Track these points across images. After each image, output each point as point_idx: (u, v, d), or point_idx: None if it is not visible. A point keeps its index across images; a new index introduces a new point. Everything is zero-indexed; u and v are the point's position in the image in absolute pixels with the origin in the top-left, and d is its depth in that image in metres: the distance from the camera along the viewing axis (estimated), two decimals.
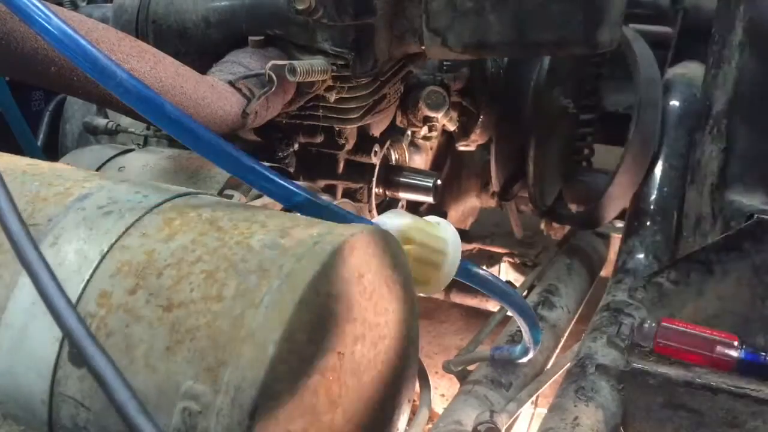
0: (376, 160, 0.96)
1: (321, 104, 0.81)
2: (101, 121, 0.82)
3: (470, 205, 1.36)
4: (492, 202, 1.33)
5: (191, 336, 0.37)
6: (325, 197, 0.63)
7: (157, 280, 0.39)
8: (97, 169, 0.67)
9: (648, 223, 1.06)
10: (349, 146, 0.93)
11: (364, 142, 0.95)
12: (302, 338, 0.36)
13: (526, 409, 0.89)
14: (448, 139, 1.19)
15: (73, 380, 0.38)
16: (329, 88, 0.78)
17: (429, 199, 1.02)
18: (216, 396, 0.35)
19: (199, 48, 0.78)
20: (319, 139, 0.89)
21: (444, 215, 1.26)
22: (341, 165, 0.95)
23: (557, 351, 1.01)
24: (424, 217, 0.54)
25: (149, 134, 0.83)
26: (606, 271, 1.28)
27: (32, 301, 0.39)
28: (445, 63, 1.00)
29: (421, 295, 0.53)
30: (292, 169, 0.88)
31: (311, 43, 0.75)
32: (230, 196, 0.60)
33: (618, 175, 1.06)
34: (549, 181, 1.21)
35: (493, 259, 1.48)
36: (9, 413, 0.39)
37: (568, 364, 0.85)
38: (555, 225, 1.30)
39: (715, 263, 0.79)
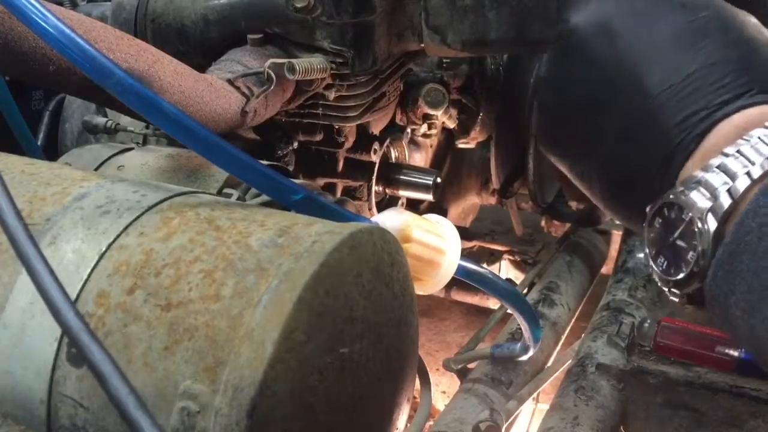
0: (375, 158, 0.96)
1: (320, 102, 0.81)
2: (100, 120, 0.82)
3: (470, 202, 1.36)
4: (492, 200, 1.33)
5: (189, 335, 0.37)
6: (326, 196, 0.63)
7: (155, 280, 0.39)
8: (96, 168, 0.67)
9: None
10: (348, 144, 0.93)
11: (364, 140, 0.95)
12: (301, 337, 0.36)
13: (527, 405, 0.89)
14: (448, 137, 1.19)
15: (71, 380, 0.38)
16: (328, 86, 0.78)
17: (429, 196, 1.02)
18: (214, 396, 0.35)
19: (198, 46, 0.77)
20: (319, 137, 0.89)
21: (444, 213, 1.26)
22: (341, 163, 0.94)
23: (558, 348, 1.01)
24: (424, 215, 0.54)
25: (149, 133, 0.82)
26: (607, 269, 1.28)
27: (31, 300, 0.39)
28: (444, 60, 1.00)
29: (421, 293, 0.53)
30: (291, 168, 0.88)
31: (310, 41, 0.74)
32: (229, 195, 0.59)
33: None
34: (549, 179, 1.21)
35: (494, 257, 1.48)
36: (8, 413, 0.39)
37: (569, 363, 0.85)
38: (555, 222, 1.30)
39: None
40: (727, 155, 0.40)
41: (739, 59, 0.44)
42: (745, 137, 0.40)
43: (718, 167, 0.40)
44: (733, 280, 0.36)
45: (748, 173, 0.38)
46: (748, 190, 0.38)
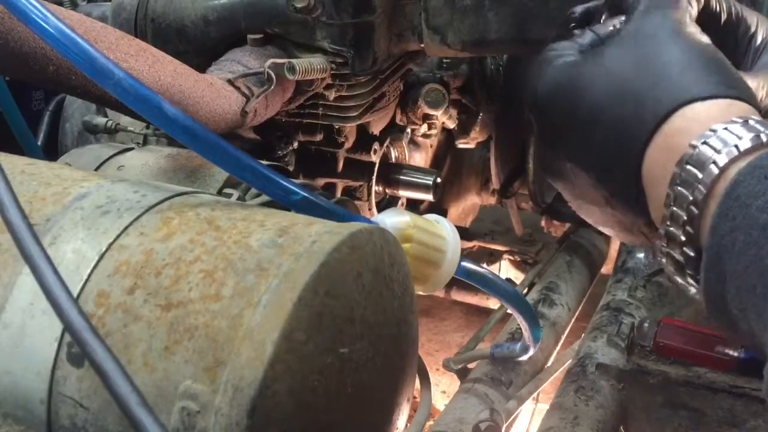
0: (375, 158, 0.96)
1: (320, 102, 0.81)
2: (101, 120, 0.82)
3: (470, 202, 1.36)
4: (492, 200, 1.33)
5: (190, 335, 0.37)
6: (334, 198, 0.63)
7: (155, 280, 0.39)
8: (96, 168, 0.67)
9: None
10: (348, 144, 0.93)
11: (364, 140, 0.95)
12: (301, 337, 0.36)
13: (527, 405, 0.89)
14: (448, 137, 1.19)
15: (71, 380, 0.38)
16: (328, 87, 0.78)
17: (429, 196, 1.02)
18: (214, 395, 0.35)
19: (198, 46, 0.77)
20: (319, 137, 0.89)
21: (444, 213, 1.27)
22: (341, 163, 0.95)
23: (558, 348, 1.01)
24: (424, 215, 0.54)
25: (149, 133, 0.82)
26: (607, 269, 1.28)
27: (31, 300, 0.39)
28: (444, 60, 1.00)
29: (421, 293, 0.53)
30: (291, 168, 0.88)
31: (310, 42, 0.75)
32: (229, 195, 0.60)
33: None
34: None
35: (494, 257, 1.48)
36: (8, 413, 0.39)
37: (569, 363, 0.85)
38: (555, 222, 1.30)
39: None
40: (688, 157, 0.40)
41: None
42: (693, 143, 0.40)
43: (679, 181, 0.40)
44: (723, 282, 0.36)
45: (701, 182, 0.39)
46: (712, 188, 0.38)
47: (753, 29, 0.52)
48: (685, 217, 0.39)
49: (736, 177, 0.37)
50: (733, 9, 0.52)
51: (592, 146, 0.47)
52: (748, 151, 0.38)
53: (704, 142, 0.39)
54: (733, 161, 0.38)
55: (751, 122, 0.39)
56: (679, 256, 0.41)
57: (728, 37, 0.53)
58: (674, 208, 0.40)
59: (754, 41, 0.52)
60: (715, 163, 0.38)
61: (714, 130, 0.39)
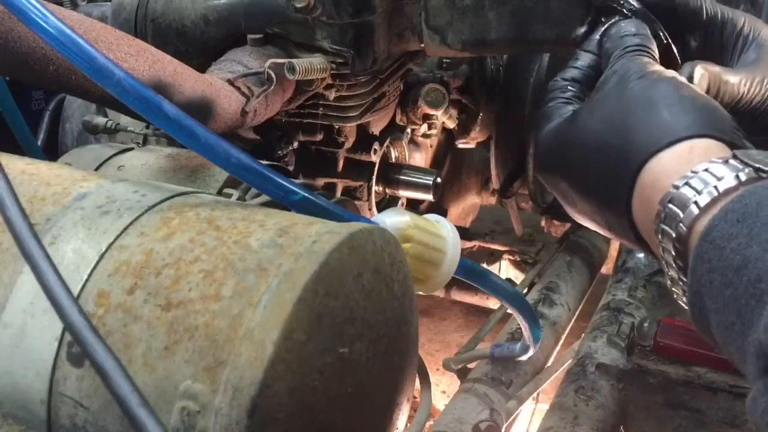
0: (375, 158, 0.96)
1: (320, 102, 0.81)
2: (101, 120, 0.82)
3: (470, 202, 1.36)
4: (492, 200, 1.33)
5: (190, 335, 0.37)
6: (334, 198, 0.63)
7: (155, 280, 0.39)
8: (97, 168, 0.67)
9: None
10: (348, 144, 0.93)
11: (364, 140, 0.95)
12: (301, 337, 0.36)
13: (527, 405, 0.89)
14: (448, 137, 1.19)
15: (71, 380, 0.38)
16: (328, 87, 0.78)
17: (429, 196, 1.02)
18: (215, 395, 0.35)
19: (198, 46, 0.77)
20: (319, 137, 0.89)
21: (444, 213, 1.27)
22: (341, 163, 0.95)
23: (558, 348, 1.01)
24: (424, 215, 0.54)
25: (149, 133, 0.82)
26: (607, 269, 1.28)
27: (31, 300, 0.39)
28: (444, 60, 1.00)
29: (421, 293, 0.53)
30: (291, 168, 0.88)
31: (310, 42, 0.75)
32: (229, 195, 0.60)
33: None
34: None
35: (494, 257, 1.48)
36: (9, 413, 0.39)
37: (569, 363, 0.85)
38: (555, 222, 1.30)
39: None
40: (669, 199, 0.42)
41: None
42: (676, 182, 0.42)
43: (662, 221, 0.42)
44: (706, 317, 0.39)
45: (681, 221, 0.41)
46: (690, 231, 0.40)
47: (739, 28, 0.54)
48: (674, 265, 0.42)
49: (711, 222, 0.39)
50: (712, 7, 0.54)
51: (589, 200, 0.50)
52: (716, 200, 0.39)
53: (671, 200, 0.41)
54: (703, 212, 0.40)
55: (712, 168, 0.40)
56: (678, 291, 0.44)
57: (713, 38, 0.54)
58: (665, 256, 0.43)
59: (740, 39, 0.54)
60: (682, 222, 0.40)
61: (677, 186, 0.41)
